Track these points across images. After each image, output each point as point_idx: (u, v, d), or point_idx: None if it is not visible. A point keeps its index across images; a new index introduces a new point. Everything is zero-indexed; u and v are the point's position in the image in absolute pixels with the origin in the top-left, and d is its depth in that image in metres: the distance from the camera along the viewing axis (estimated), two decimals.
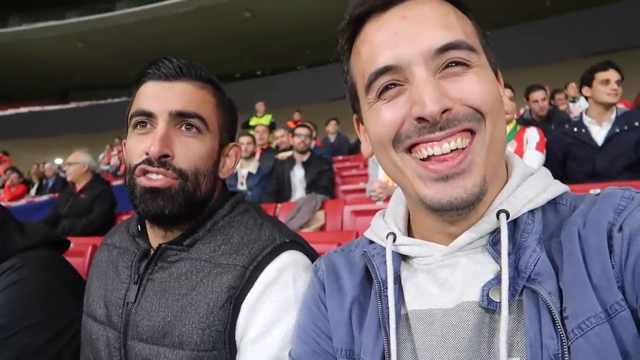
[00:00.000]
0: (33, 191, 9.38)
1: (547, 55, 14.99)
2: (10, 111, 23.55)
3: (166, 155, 0.93)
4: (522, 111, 6.41)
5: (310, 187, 4.45)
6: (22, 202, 7.16)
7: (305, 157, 4.69)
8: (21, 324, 1.10)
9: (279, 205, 3.84)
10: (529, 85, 5.41)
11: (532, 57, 14.97)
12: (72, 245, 1.44)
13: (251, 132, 6.58)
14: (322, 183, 4.40)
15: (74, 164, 4.35)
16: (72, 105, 23.98)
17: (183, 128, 0.96)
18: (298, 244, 0.99)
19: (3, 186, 9.25)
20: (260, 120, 8.71)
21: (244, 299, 0.90)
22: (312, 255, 1.01)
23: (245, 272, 0.91)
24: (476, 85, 0.64)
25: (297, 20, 19.79)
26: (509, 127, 3.35)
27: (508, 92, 3.68)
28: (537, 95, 5.19)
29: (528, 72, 12.56)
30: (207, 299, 0.90)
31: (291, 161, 4.75)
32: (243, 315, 0.90)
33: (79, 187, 4.41)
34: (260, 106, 9.09)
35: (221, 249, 0.96)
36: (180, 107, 0.95)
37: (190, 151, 0.96)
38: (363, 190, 4.11)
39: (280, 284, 0.91)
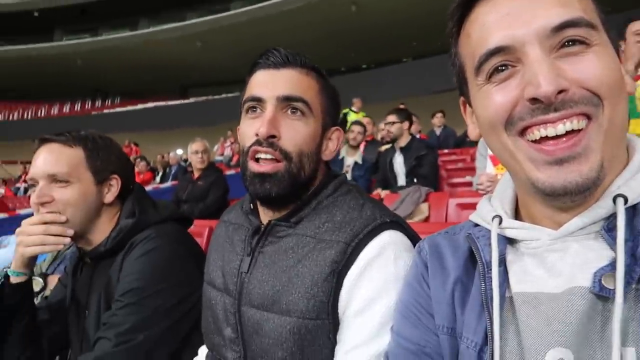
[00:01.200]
0: (158, 178, 10.30)
1: None
2: (139, 106, 26.04)
3: (273, 136, 1.01)
4: None
5: (410, 175, 4.35)
6: (149, 188, 7.91)
7: (404, 143, 4.58)
8: (155, 287, 1.24)
9: (382, 196, 3.85)
10: None
11: None
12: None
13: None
14: (422, 172, 4.27)
15: (206, 151, 4.75)
16: (191, 100, 25.89)
17: (289, 111, 1.04)
18: (399, 224, 1.01)
19: None
20: (358, 116, 8.75)
21: (346, 274, 0.95)
22: (413, 236, 1.02)
23: (347, 248, 0.95)
24: (596, 67, 0.60)
25: (403, 12, 19.45)
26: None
27: None
28: None
29: None
30: (312, 271, 0.96)
31: (392, 149, 4.72)
32: (346, 290, 0.94)
33: (197, 174, 4.79)
34: (358, 102, 9.14)
35: (325, 226, 1.01)
36: (286, 92, 1.03)
37: (295, 133, 1.03)
38: (469, 184, 3.98)
39: (381, 261, 0.94)
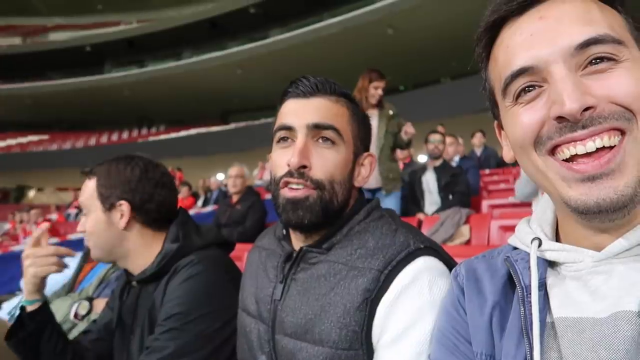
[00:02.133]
0: (200, 203, 10.51)
1: None
2: (183, 133, 26.81)
3: (304, 166, 1.01)
4: None
5: (445, 190, 4.39)
6: (191, 212, 8.07)
7: (438, 163, 4.70)
8: (197, 312, 1.25)
9: (422, 218, 3.80)
10: None
11: None
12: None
13: None
14: (459, 188, 4.33)
15: (239, 176, 4.83)
16: (232, 126, 26.48)
17: (320, 140, 1.04)
18: (433, 249, 0.99)
19: None
20: None
21: (379, 302, 0.92)
22: (448, 261, 1.00)
23: (380, 275, 0.93)
24: (625, 81, 0.59)
25: (440, 32, 19.40)
26: None
27: None
28: None
29: None
30: (344, 300, 0.94)
31: (423, 167, 4.81)
32: (379, 318, 0.92)
33: (235, 198, 4.88)
34: None
35: (357, 253, 1.00)
36: (316, 120, 1.03)
37: (326, 161, 1.03)
38: (511, 205, 3.88)
39: (416, 289, 0.91)
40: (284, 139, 1.07)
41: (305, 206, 1.01)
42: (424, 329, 0.88)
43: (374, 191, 4.16)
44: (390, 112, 4.21)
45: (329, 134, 1.04)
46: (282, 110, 1.10)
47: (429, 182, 4.64)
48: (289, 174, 1.02)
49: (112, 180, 1.43)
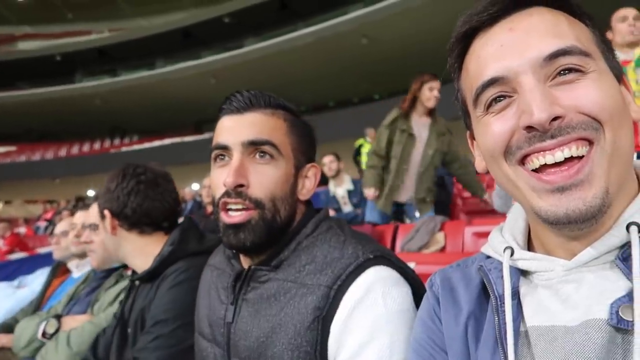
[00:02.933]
0: None
1: None
2: (156, 143, 26.49)
3: (241, 185, 0.98)
4: None
5: None
6: None
7: None
8: (178, 321, 1.25)
9: (398, 225, 3.81)
10: None
11: None
12: None
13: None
14: (442, 198, 4.32)
15: (210, 187, 4.79)
16: (206, 135, 26.27)
17: (257, 156, 1.01)
18: (385, 258, 0.96)
19: None
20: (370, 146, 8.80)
21: (332, 319, 0.90)
22: (402, 269, 0.97)
23: (329, 292, 0.91)
24: (592, 92, 0.60)
25: (412, 43, 19.70)
26: None
27: None
28: None
29: None
30: (294, 320, 0.91)
31: None
32: (334, 337, 0.90)
33: (210, 208, 4.82)
34: (371, 132, 9.19)
35: (306, 269, 0.97)
36: (251, 136, 1.00)
37: (264, 178, 1.00)
38: (485, 212, 3.92)
39: (369, 302, 0.89)
40: (220, 157, 1.04)
41: (247, 229, 0.98)
42: (381, 344, 0.86)
43: (402, 205, 3.85)
44: (444, 129, 3.80)
45: (266, 149, 1.00)
46: (218, 127, 1.06)
47: None
48: (227, 194, 0.99)
49: (101, 191, 1.55)
